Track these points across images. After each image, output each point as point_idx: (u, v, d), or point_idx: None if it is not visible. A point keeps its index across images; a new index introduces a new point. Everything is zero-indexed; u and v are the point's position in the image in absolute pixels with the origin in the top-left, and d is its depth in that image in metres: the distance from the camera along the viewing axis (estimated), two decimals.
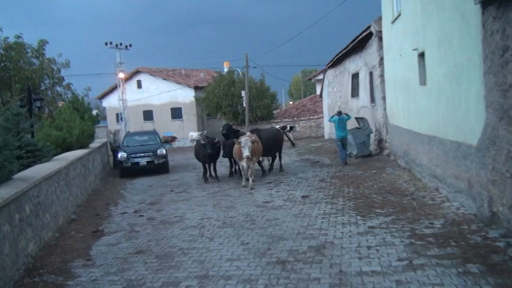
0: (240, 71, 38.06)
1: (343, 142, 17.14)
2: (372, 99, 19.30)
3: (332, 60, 27.07)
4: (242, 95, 33.58)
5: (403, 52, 13.70)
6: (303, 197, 11.58)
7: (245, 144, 13.40)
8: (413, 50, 12.00)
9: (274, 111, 38.61)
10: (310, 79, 49.04)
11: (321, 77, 44.18)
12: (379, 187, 11.85)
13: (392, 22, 14.80)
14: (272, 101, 38.31)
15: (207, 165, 16.20)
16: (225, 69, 38.78)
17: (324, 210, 9.84)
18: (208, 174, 16.21)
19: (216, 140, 15.67)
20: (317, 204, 10.56)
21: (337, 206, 10.18)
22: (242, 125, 35.78)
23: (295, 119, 38.25)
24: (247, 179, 13.95)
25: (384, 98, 17.23)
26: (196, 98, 40.39)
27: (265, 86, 37.39)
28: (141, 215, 11.25)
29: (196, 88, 41.58)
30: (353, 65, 23.03)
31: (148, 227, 9.88)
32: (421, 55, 11.80)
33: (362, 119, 18.93)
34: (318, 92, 45.28)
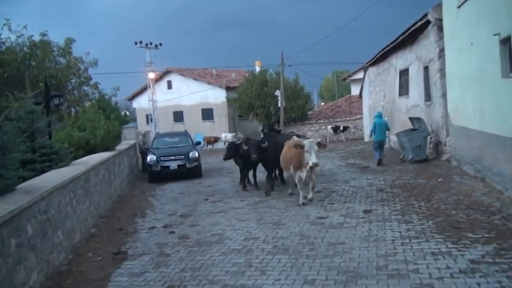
0: (272, 70, 36.03)
1: (381, 145, 16.98)
2: (428, 97, 17.03)
3: (375, 57, 24.83)
4: (277, 94, 31.46)
5: (475, 40, 11.49)
6: (365, 211, 9.51)
7: (310, 147, 10.31)
8: (495, 35, 9.79)
9: (309, 112, 36.46)
10: (345, 79, 46.82)
11: (356, 76, 42.18)
12: (454, 201, 9.69)
13: (459, 6, 12.58)
14: (306, 102, 36.16)
15: (246, 170, 14.20)
16: (257, 69, 36.75)
17: (400, 232, 7.74)
18: (246, 181, 14.23)
19: (265, 143, 13.28)
20: (386, 222, 8.48)
21: (413, 226, 8.08)
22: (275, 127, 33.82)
23: (330, 120, 36.05)
24: (303, 193, 11.04)
25: (444, 95, 14.96)
26: (228, 99, 38.52)
27: (300, 85, 35.26)
28: (172, 232, 9.35)
29: (228, 88, 39.71)
30: (401, 60, 20.77)
31: (181, 249, 7.96)
32: (505, 41, 9.64)
33: (418, 119, 16.68)
34: (353, 93, 43.34)
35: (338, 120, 35.94)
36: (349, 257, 6.69)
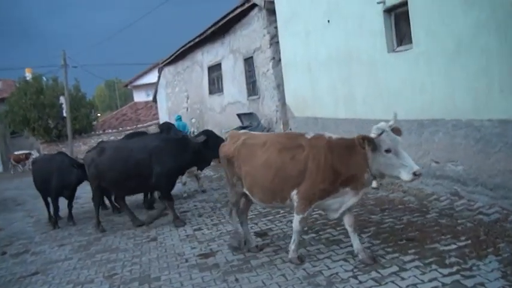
0: (45, 77, 30.33)
1: None
2: (253, 92, 15.18)
3: (172, 55, 22.32)
4: (61, 101, 26.22)
5: (332, 17, 9.85)
6: (258, 234, 6.85)
7: (394, 142, 4.70)
8: (378, 3, 8.16)
9: (94, 123, 31.90)
10: (127, 85, 43.11)
11: (140, 82, 39.06)
12: (359, 204, 7.67)
13: None
14: (91, 111, 31.53)
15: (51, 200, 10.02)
16: (28, 76, 30.55)
17: (347, 263, 5.31)
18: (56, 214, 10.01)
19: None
20: (319, 256, 5.96)
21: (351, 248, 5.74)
22: (57, 143, 28.58)
23: (119, 129, 32.14)
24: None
25: (278, 86, 13.22)
26: None
27: (82, 92, 30.51)
28: None
29: None
30: (210, 55, 18.65)
31: None
32: (390, 10, 8.13)
33: (250, 114, 14.66)
34: (137, 99, 40.04)
35: (128, 128, 32.27)
36: None
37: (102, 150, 8.49)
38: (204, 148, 8.28)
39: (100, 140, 28.36)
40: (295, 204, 5.19)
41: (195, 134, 13.25)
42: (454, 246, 5.27)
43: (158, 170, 7.94)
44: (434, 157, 7.53)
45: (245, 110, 15.54)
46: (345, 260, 5.38)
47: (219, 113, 18.30)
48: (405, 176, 4.57)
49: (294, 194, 5.17)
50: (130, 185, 8.25)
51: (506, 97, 5.97)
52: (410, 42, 7.75)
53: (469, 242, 5.34)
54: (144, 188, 8.94)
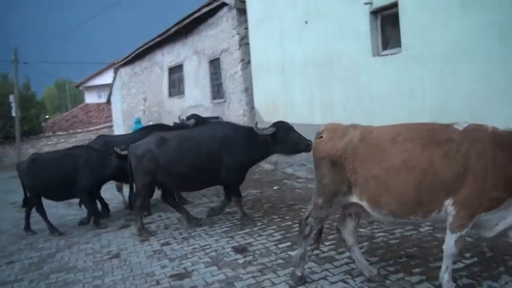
0: None
1: None
2: (218, 95, 14.49)
3: (130, 55, 21.29)
4: (10, 100, 24.42)
5: (311, 17, 9.34)
6: (235, 249, 6.14)
7: None
8: (366, 4, 7.71)
9: (43, 124, 30.17)
10: (78, 86, 41.33)
11: (92, 83, 37.54)
12: None
13: None
14: (40, 111, 29.82)
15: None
16: None
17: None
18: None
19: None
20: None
21: (335, 265, 5.15)
22: (4, 144, 26.76)
23: (70, 132, 30.55)
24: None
25: (247, 89, 12.61)
26: None
27: (31, 91, 28.78)
28: None
29: None
30: (171, 56, 17.81)
31: None
32: (377, 12, 7.72)
33: (216, 118, 13.92)
34: (88, 101, 38.49)
35: (79, 131, 30.76)
36: None
37: (162, 140, 7.14)
38: (272, 142, 6.91)
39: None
40: (451, 218, 3.85)
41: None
42: (461, 265, 4.77)
43: (229, 162, 6.94)
44: None
45: (209, 114, 14.79)
46: (344, 281, 4.76)
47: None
48: None
49: (448, 205, 3.84)
50: (198, 180, 7.14)
51: (507, 105, 5.60)
52: (398, 45, 7.34)
53: (476, 259, 4.86)
54: (210, 183, 7.65)
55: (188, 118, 9.45)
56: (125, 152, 7.67)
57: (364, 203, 4.20)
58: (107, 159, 7.99)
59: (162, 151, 6.98)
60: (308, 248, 4.77)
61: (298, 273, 4.61)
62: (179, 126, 9.10)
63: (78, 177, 7.83)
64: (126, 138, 9.05)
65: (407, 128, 4.22)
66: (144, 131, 9.20)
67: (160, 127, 9.59)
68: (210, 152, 6.83)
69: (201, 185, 7.53)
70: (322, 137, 4.46)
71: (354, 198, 4.23)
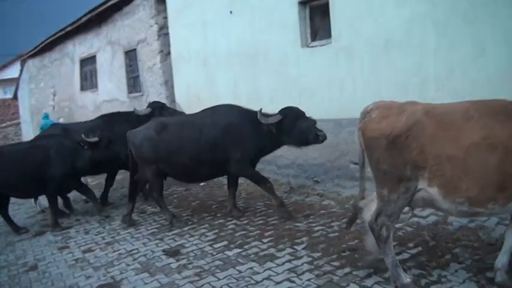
0: None
1: None
2: (134, 88, 13.62)
3: (39, 45, 19.63)
4: None
5: (236, 7, 8.89)
6: (166, 253, 5.54)
7: None
8: None
9: None
10: None
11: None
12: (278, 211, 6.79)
13: None
14: None
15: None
16: None
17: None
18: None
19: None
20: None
21: (297, 263, 4.77)
22: None
23: None
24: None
25: (166, 82, 11.90)
26: None
27: None
28: None
29: None
30: (83, 47, 16.54)
31: None
32: (305, 3, 7.42)
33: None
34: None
35: None
36: None
37: (162, 126, 6.32)
38: (277, 131, 6.02)
39: None
40: None
41: None
42: (407, 256, 4.54)
43: (237, 155, 6.11)
44: (352, 158, 6.90)
45: (125, 109, 13.88)
46: (289, 280, 4.36)
47: (92, 111, 16.23)
48: None
49: None
50: (203, 172, 6.38)
51: (442, 96, 5.48)
52: (328, 36, 7.08)
53: (421, 249, 4.66)
54: (216, 175, 6.86)
55: (148, 105, 8.62)
56: (95, 139, 7.00)
57: (433, 189, 3.58)
58: (80, 150, 7.10)
59: (161, 139, 6.24)
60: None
61: (407, 280, 3.81)
62: (136, 116, 8.22)
63: (48, 170, 6.86)
64: (84, 126, 8.14)
65: (475, 104, 3.65)
66: (103, 119, 8.55)
67: (117, 115, 8.78)
68: (212, 141, 6.16)
69: (206, 177, 6.92)
70: (371, 115, 3.89)
71: (421, 184, 3.59)
